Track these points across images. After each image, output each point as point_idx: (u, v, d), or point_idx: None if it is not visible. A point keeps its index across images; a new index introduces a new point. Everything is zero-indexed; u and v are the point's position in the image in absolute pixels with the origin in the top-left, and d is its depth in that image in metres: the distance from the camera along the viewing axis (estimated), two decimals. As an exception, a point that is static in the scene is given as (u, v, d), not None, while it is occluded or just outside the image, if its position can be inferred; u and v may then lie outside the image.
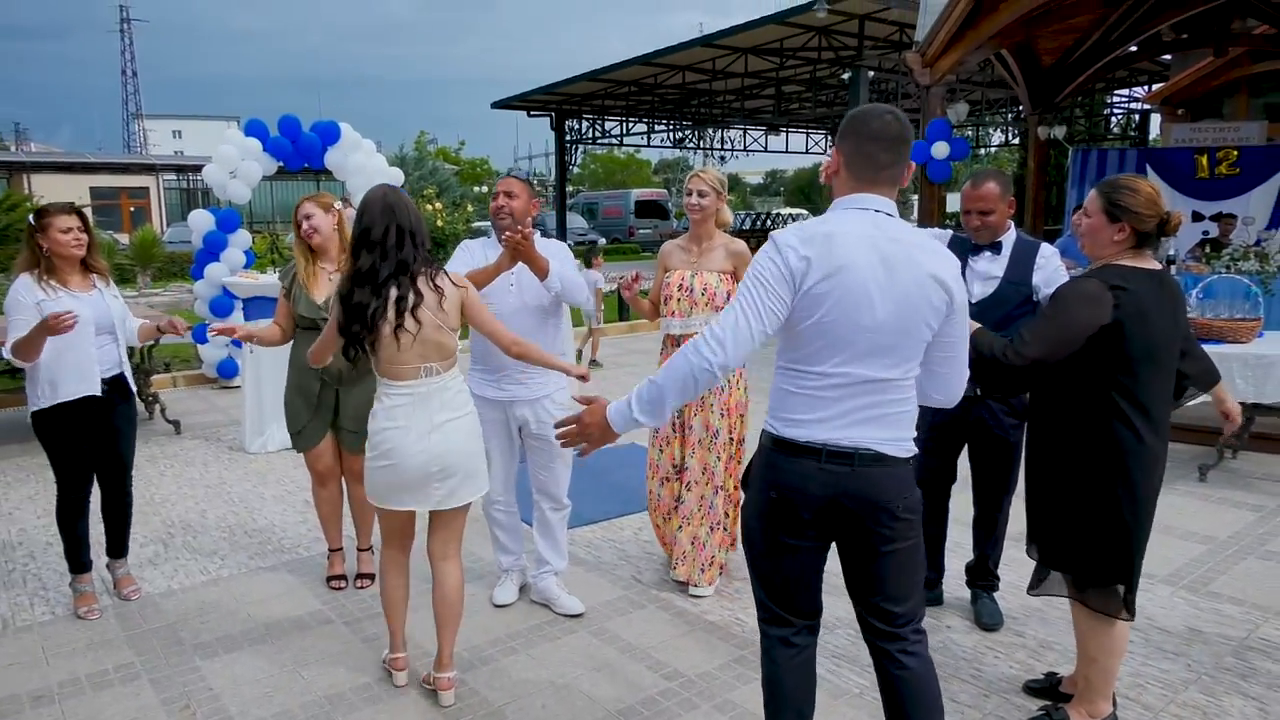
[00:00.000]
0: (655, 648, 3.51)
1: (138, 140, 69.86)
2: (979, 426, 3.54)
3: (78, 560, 3.90)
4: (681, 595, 3.97)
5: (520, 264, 3.39)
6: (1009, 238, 3.51)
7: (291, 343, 3.94)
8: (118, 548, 4.08)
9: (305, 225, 3.88)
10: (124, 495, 4.03)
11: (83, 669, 3.40)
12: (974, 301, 3.37)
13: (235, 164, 8.00)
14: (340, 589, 4.08)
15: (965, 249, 3.50)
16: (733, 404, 3.93)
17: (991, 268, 3.47)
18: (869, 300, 2.06)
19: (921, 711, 2.23)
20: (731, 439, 3.92)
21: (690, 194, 3.89)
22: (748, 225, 28.37)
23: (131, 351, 7.12)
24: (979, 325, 2.81)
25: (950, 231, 3.70)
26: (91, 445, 3.82)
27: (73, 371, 3.67)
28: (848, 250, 2.07)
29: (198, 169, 26.00)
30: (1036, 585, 2.99)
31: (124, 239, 22.01)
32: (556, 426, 2.32)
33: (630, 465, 5.85)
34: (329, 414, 3.96)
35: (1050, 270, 3.42)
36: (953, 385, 2.27)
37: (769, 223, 29.68)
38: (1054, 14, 8.26)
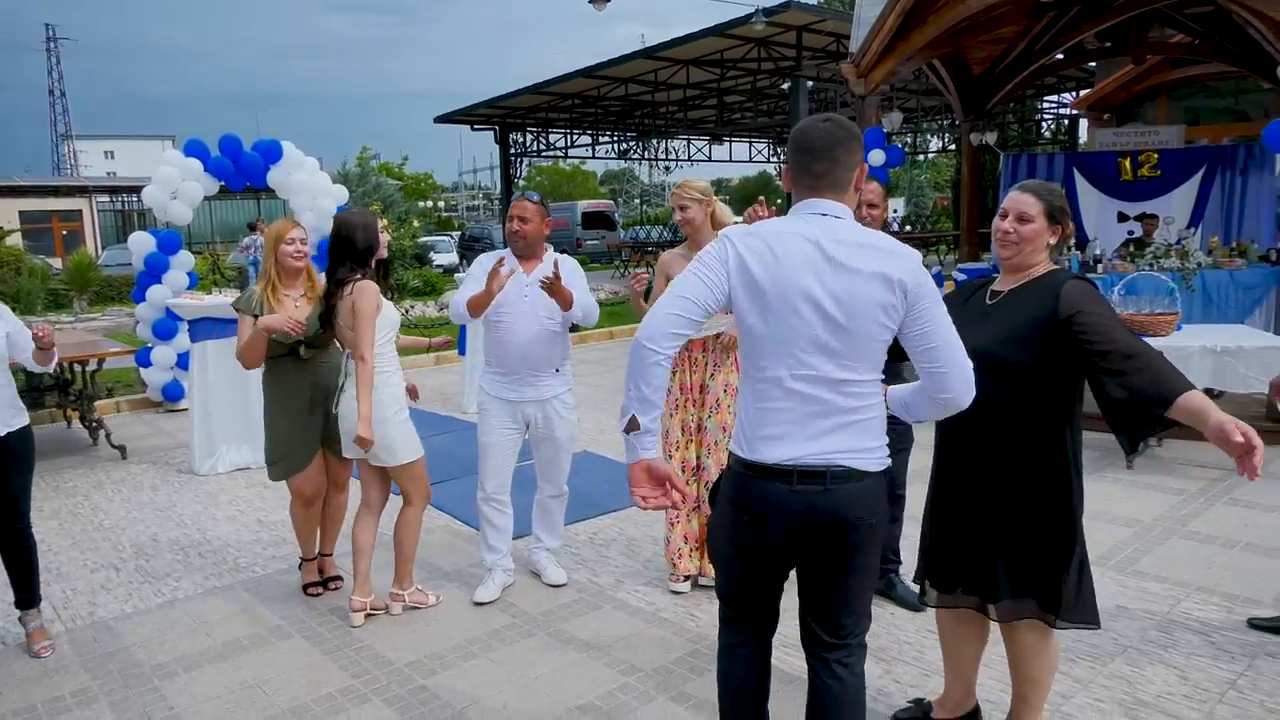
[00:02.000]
0: (612, 645, 3.61)
1: (68, 162, 68.16)
2: None
3: None
4: (636, 595, 4.08)
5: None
6: None
7: (266, 372, 4.01)
8: (23, 598, 3.74)
9: (294, 249, 3.93)
10: (19, 539, 3.66)
11: (38, 696, 3.39)
12: None
13: (176, 185, 7.94)
14: (318, 594, 4.16)
15: None
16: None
17: None
18: (810, 299, 2.09)
19: None
20: None
21: (675, 210, 3.99)
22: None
23: (74, 376, 7.08)
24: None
25: None
26: None
27: None
28: (786, 247, 2.11)
29: (133, 190, 25.49)
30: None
31: (58, 263, 21.52)
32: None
33: (584, 473, 5.94)
34: (318, 435, 3.99)
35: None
36: (952, 383, 2.16)
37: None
38: (981, 25, 8.57)
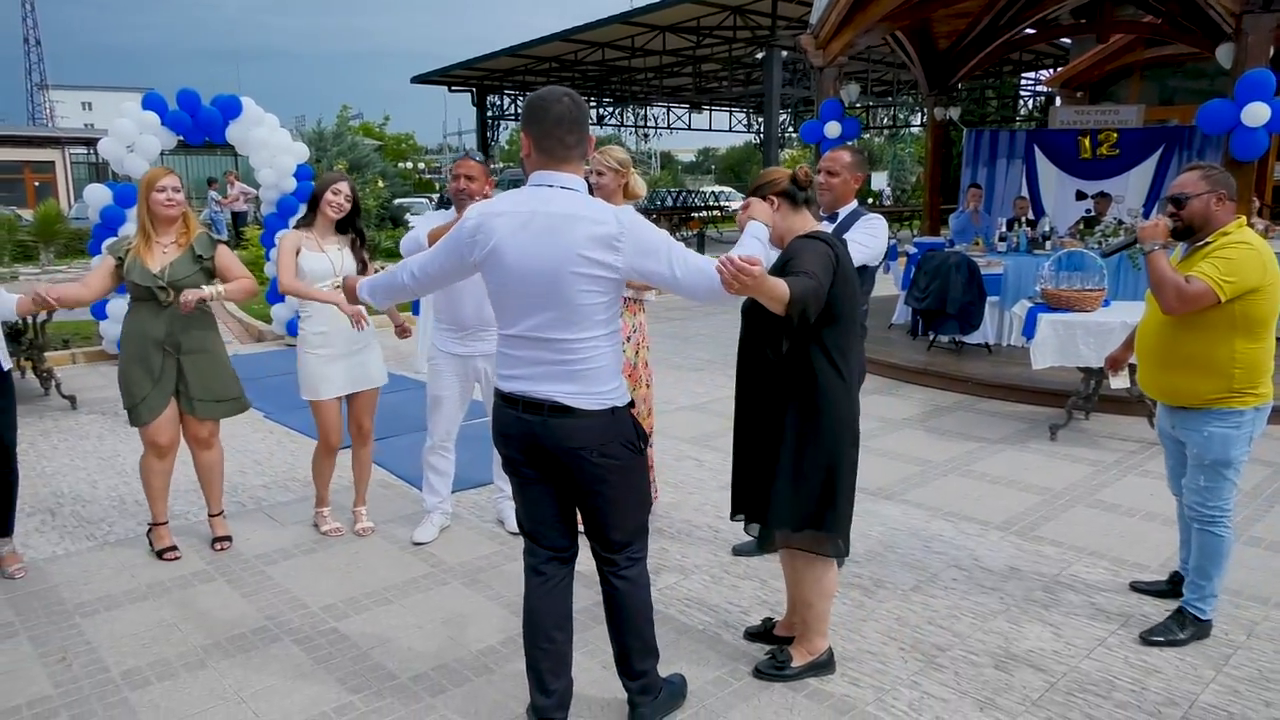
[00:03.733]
0: (522, 595, 3.74)
1: (43, 112, 67.03)
2: None
3: None
4: (554, 549, 4.22)
5: None
6: (848, 209, 3.83)
7: (127, 314, 4.04)
8: (2, 526, 3.98)
9: (166, 196, 3.95)
10: (6, 473, 3.91)
11: (-38, 629, 3.50)
12: None
13: (132, 138, 7.94)
14: (176, 559, 4.15)
15: None
16: (626, 369, 4.17)
17: None
18: (522, 269, 2.41)
19: (627, 622, 2.72)
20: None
21: (591, 174, 4.07)
22: (670, 203, 28.49)
23: (25, 326, 7.12)
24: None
25: None
26: None
27: None
28: (505, 226, 2.43)
29: (106, 142, 25.14)
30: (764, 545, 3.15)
31: (28, 215, 21.25)
32: None
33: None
34: (171, 384, 4.01)
35: (861, 225, 3.71)
36: (705, 294, 2.43)
37: (690, 199, 29.85)
38: (939, 0, 8.62)
